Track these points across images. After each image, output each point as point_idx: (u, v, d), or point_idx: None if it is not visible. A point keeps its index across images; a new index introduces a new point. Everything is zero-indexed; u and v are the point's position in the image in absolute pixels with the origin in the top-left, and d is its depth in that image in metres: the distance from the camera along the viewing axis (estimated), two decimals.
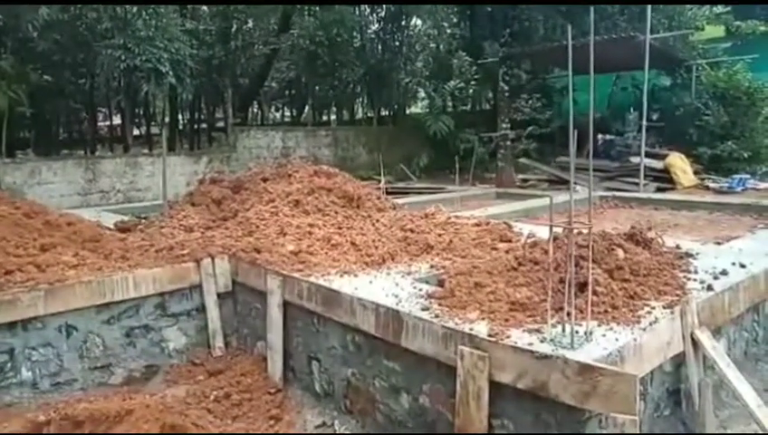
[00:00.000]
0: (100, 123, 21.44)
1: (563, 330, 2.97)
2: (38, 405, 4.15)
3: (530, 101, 15.22)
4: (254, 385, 4.54)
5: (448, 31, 18.64)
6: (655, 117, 14.60)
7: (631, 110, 15.26)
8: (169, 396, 4.39)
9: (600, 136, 14.65)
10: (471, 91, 16.73)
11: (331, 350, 4.17)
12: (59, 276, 4.43)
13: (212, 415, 4.11)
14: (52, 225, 5.44)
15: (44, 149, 15.18)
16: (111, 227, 6.50)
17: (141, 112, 18.94)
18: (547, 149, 15.30)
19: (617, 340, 2.93)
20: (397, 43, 18.95)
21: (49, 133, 17.76)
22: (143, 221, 6.81)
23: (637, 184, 11.60)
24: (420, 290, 3.91)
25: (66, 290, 4.33)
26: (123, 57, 11.69)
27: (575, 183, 3.58)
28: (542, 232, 4.92)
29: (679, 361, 3.45)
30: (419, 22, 19.83)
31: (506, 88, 14.62)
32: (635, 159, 12.36)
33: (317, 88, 19.61)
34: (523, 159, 14.46)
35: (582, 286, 3.36)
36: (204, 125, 20.61)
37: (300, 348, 4.50)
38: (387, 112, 20.61)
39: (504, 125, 14.45)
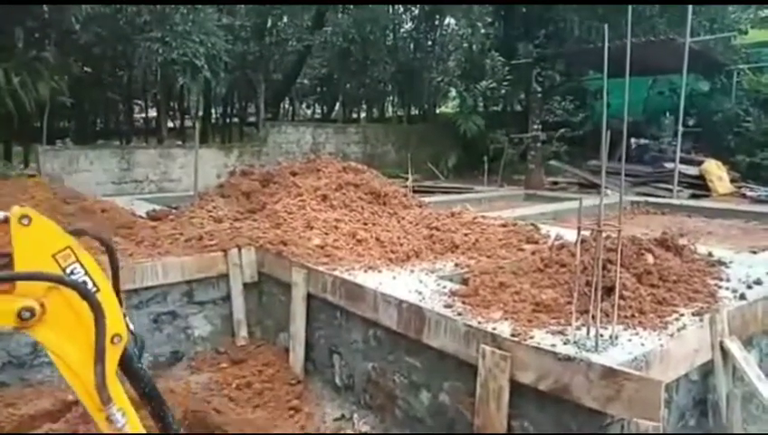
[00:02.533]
0: (135, 115, 21.94)
1: (588, 333, 2.93)
2: (68, 385, 4.27)
3: (562, 103, 15.01)
4: (275, 376, 4.59)
5: (482, 31, 18.49)
6: (691, 122, 14.25)
7: (667, 114, 14.91)
8: (193, 382, 4.47)
9: (633, 140, 14.36)
10: (503, 91, 16.56)
11: (353, 344, 4.19)
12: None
13: (234, 403, 4.18)
14: (87, 211, 5.60)
15: (82, 138, 15.62)
16: (144, 215, 6.66)
17: (176, 106, 19.30)
18: (578, 153, 15.07)
19: (642, 345, 2.88)
20: (429, 42, 18.91)
21: (87, 123, 18.28)
22: (174, 211, 6.94)
23: (670, 190, 11.33)
24: (444, 288, 3.90)
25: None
26: (161, 50, 11.94)
27: (606, 187, 3.52)
28: (570, 235, 4.85)
29: (707, 370, 3.36)
30: (453, 21, 19.72)
31: (539, 89, 14.45)
32: (669, 165, 12.08)
33: (348, 85, 19.71)
34: (553, 162, 14.28)
35: (609, 290, 3.30)
36: (236, 119, 20.93)
37: (322, 341, 4.54)
38: (417, 111, 20.59)
39: (535, 126, 14.29)
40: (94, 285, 2.21)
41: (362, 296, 4.00)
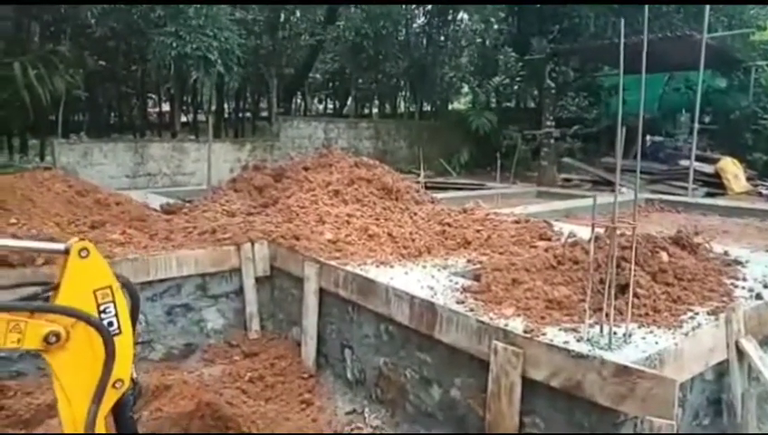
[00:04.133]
0: (149, 109, 22.10)
1: (601, 330, 2.91)
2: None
3: (576, 100, 14.92)
4: (287, 369, 4.62)
5: (495, 26, 18.40)
6: (707, 119, 14.08)
7: (683, 111, 14.75)
8: (206, 374, 4.51)
9: (648, 138, 14.23)
10: (516, 87, 16.49)
11: (365, 338, 4.21)
12: (107, 253, 4.60)
13: (246, 395, 4.21)
14: (102, 203, 5.66)
15: (96, 131, 15.78)
16: (157, 208, 6.71)
17: (189, 100, 19.44)
18: (592, 149, 14.97)
19: (656, 343, 2.86)
20: (442, 38, 18.85)
21: (101, 117, 18.44)
22: (187, 204, 7.00)
23: (685, 188, 11.22)
24: (456, 284, 3.90)
25: (113, 267, 4.48)
26: (174, 44, 12.03)
27: (620, 184, 3.49)
28: (583, 232, 4.82)
29: (722, 370, 3.33)
30: (466, 16, 19.63)
31: (553, 85, 14.35)
32: (684, 163, 11.96)
33: (360, 80, 19.71)
34: (566, 159, 14.19)
35: (623, 288, 3.28)
36: (248, 114, 21.01)
37: (334, 335, 4.56)
38: (429, 107, 20.54)
39: (548, 123, 14.20)
40: (118, 327, 2.36)
41: (374, 291, 4.01)
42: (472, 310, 3.35)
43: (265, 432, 3.69)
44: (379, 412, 3.96)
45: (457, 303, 3.49)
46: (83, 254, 2.32)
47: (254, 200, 6.85)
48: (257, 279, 5.22)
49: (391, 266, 4.36)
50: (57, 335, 2.18)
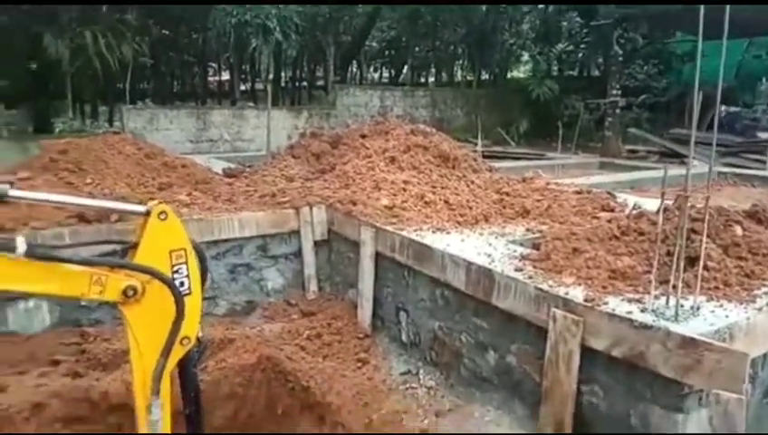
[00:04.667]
0: (209, 78, 22.62)
1: (667, 302, 2.82)
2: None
3: (645, 68, 14.17)
4: (343, 329, 4.74)
5: None
6: None
7: (763, 80, 13.75)
8: (266, 330, 4.69)
9: (723, 108, 13.39)
10: (580, 54, 15.84)
11: (420, 302, 4.25)
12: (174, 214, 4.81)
13: (304, 352, 4.35)
14: (169, 166, 5.90)
15: (161, 99, 16.34)
16: (220, 172, 6.93)
17: (248, 69, 19.77)
18: (660, 120, 14.25)
19: (726, 317, 2.75)
20: (502, 4, 18.21)
21: (165, 84, 19.05)
22: (248, 169, 7.18)
23: (762, 162, 10.54)
24: (514, 251, 3.86)
25: None
26: (234, 12, 12.19)
27: (693, 157, 3.32)
28: (649, 204, 4.64)
29: None
30: None
31: (620, 52, 13.66)
32: (763, 135, 11.22)
33: (417, 48, 19.43)
34: (632, 129, 13.59)
35: (692, 261, 3.15)
36: (305, 83, 21.18)
37: (389, 298, 4.63)
38: (487, 75, 20.05)
39: (613, 92, 13.58)
40: (189, 288, 2.48)
41: (430, 257, 4.03)
42: (531, 277, 3.32)
43: (323, 387, 3.81)
44: (434, 374, 4.01)
45: (516, 270, 3.46)
46: (162, 216, 2.47)
47: (311, 166, 6.95)
48: (315, 242, 5.34)
49: (447, 233, 4.36)
50: (134, 290, 2.35)
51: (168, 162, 6.02)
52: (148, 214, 2.50)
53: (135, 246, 2.61)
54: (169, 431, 2.63)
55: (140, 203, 4.55)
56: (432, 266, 4.00)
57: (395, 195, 5.37)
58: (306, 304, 5.14)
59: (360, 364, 4.24)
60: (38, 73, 12.83)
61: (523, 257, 3.69)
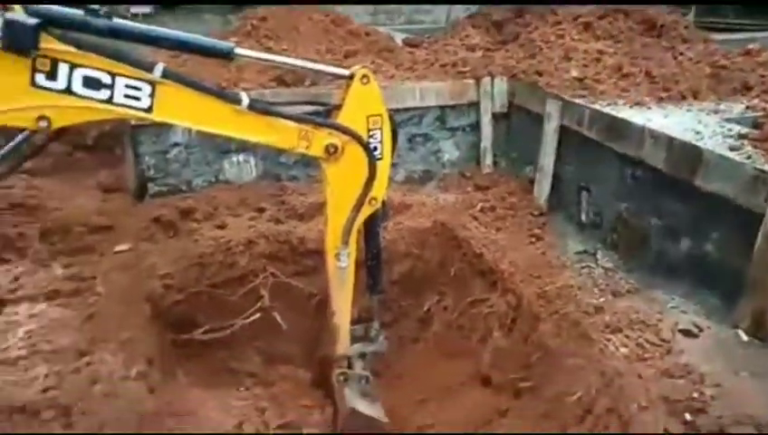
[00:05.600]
0: None
1: None
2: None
3: None
4: (517, 205, 4.69)
5: None
6: None
7: None
8: (441, 199, 4.83)
9: None
10: None
11: (606, 182, 4.00)
12: None
13: (478, 222, 4.42)
14: (353, 34, 6.01)
15: None
16: (400, 42, 6.90)
17: None
18: None
19: None
20: None
21: None
22: (428, 38, 7.04)
23: None
24: (729, 130, 3.37)
25: None
26: None
27: None
28: None
29: None
30: None
31: None
32: None
33: None
34: None
35: None
36: None
37: (570, 176, 4.42)
38: None
39: None
40: (381, 153, 2.67)
41: (624, 132, 3.70)
42: (749, 157, 2.90)
43: (496, 255, 3.88)
44: (613, 257, 3.84)
45: (730, 150, 3.04)
46: (364, 81, 2.61)
47: (492, 37, 6.59)
48: (494, 115, 5.19)
49: (648, 108, 3.94)
50: (335, 148, 2.57)
51: (353, 30, 6.13)
52: (351, 78, 2.63)
53: (337, 107, 2.79)
54: (352, 278, 2.95)
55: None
56: (626, 143, 3.68)
57: (586, 66, 4.91)
58: (481, 178, 5.13)
59: (533, 240, 4.21)
60: None
61: (740, 136, 3.22)
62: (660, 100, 4.17)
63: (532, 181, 4.78)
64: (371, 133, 2.67)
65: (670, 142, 3.29)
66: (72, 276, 3.47)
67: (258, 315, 3.68)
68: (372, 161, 2.60)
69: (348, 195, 2.71)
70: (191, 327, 3.63)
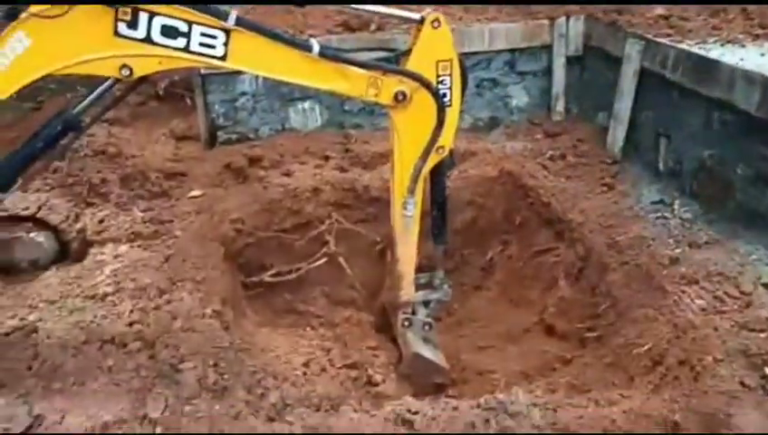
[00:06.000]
0: None
1: None
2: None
3: None
4: (590, 152, 4.49)
5: None
6: None
7: None
8: (508, 147, 4.69)
9: None
10: None
11: (688, 127, 3.73)
12: None
13: (546, 171, 4.29)
14: None
15: None
16: None
17: None
18: None
19: None
20: None
21: None
22: None
23: None
24: None
25: None
26: None
27: None
28: None
29: None
30: None
31: None
32: None
33: None
34: None
35: None
36: None
37: (648, 122, 4.16)
38: None
39: None
40: (450, 100, 2.60)
41: (714, 74, 3.41)
42: None
43: (565, 205, 3.76)
44: (691, 207, 3.63)
45: None
46: (435, 25, 2.53)
47: None
48: (568, 59, 4.93)
49: (742, 46, 3.60)
50: (404, 95, 2.52)
51: None
52: (421, 22, 2.56)
53: (405, 53, 2.73)
54: (417, 225, 2.95)
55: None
56: (714, 85, 3.40)
57: (675, 3, 4.53)
58: (551, 125, 4.94)
59: (605, 189, 4.04)
60: None
61: None
62: (756, 37, 3.81)
63: (605, 129, 4.54)
64: (441, 79, 2.61)
65: (766, 84, 3.01)
66: (150, 220, 3.68)
67: (324, 260, 3.78)
68: (441, 108, 2.55)
69: (415, 143, 2.68)
70: (260, 270, 3.78)
